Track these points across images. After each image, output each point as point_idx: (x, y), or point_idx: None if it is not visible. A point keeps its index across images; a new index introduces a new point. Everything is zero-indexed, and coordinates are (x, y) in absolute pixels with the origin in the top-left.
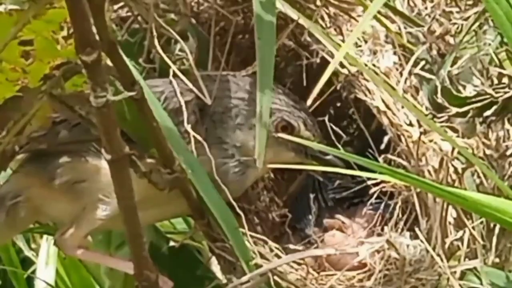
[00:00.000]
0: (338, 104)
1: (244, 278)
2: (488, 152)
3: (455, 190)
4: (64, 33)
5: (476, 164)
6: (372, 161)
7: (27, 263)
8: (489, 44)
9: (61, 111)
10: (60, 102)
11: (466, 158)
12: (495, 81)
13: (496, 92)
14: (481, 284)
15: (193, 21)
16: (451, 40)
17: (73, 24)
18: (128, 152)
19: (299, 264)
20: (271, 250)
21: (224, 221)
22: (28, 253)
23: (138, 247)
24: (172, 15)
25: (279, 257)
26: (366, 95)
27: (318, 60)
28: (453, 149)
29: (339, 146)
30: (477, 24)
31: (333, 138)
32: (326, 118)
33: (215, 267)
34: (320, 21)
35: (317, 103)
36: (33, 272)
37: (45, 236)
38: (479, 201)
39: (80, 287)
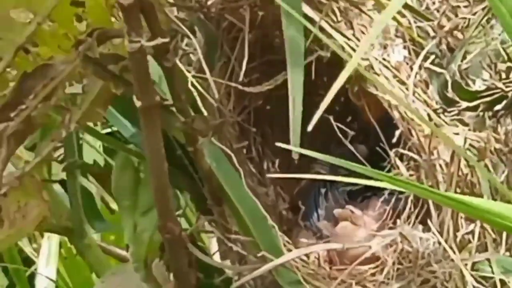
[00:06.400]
0: (342, 99)
1: (256, 273)
2: (497, 146)
3: (456, 196)
4: None
5: (476, 167)
6: (372, 170)
7: (28, 262)
8: (496, 39)
9: (94, 72)
10: (94, 64)
11: (474, 153)
12: (503, 76)
13: (507, 87)
14: (493, 273)
15: (201, 16)
16: (459, 35)
17: None
18: (160, 100)
19: (308, 257)
20: (284, 245)
21: (249, 212)
22: (29, 252)
23: (164, 199)
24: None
25: (290, 250)
26: (376, 89)
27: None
28: (465, 142)
29: (347, 143)
30: (485, 18)
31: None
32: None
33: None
34: (331, 15)
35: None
36: (34, 272)
37: (46, 236)
38: (480, 207)
39: (80, 287)
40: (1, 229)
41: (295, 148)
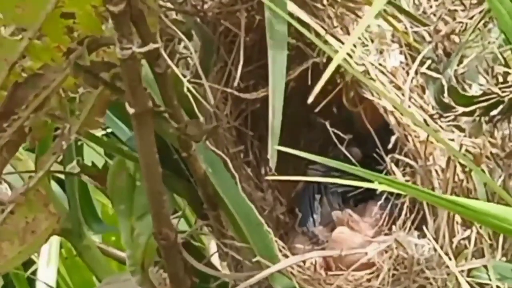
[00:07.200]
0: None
1: (253, 280)
2: (494, 151)
3: (453, 198)
4: None
5: (473, 170)
6: (367, 171)
7: (28, 263)
8: (493, 43)
9: (85, 80)
10: (85, 72)
11: (470, 159)
12: (500, 80)
13: (503, 91)
14: (489, 279)
15: (198, 20)
16: (456, 39)
17: None
18: (152, 106)
19: (304, 263)
20: (279, 250)
21: (245, 218)
22: None
23: (158, 204)
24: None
25: (286, 256)
26: (372, 95)
27: (324, 60)
28: (461, 148)
29: (340, 146)
30: (482, 22)
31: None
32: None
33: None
34: (327, 20)
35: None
36: (34, 272)
37: None
38: (478, 209)
39: (81, 287)
40: (12, 247)
41: (291, 150)
